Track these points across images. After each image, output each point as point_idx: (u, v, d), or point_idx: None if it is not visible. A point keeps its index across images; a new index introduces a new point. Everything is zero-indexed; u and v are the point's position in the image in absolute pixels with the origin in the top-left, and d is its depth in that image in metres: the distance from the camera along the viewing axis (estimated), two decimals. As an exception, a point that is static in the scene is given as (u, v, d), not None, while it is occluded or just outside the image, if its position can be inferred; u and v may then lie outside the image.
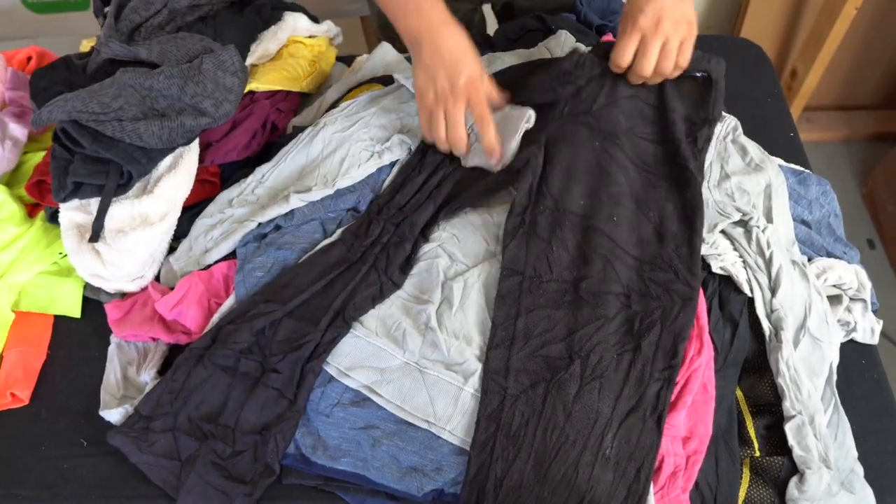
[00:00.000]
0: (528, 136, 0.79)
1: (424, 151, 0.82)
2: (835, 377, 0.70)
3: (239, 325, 0.71)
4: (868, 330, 0.75)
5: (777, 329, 0.69)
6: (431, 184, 0.80)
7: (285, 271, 0.75)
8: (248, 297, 0.74)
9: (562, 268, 0.71)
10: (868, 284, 0.75)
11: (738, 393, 0.71)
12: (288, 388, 0.68)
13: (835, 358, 0.70)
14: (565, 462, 0.61)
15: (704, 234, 0.73)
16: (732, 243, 0.74)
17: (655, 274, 0.70)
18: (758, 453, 0.68)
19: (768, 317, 0.69)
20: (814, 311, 0.70)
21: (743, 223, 0.75)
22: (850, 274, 0.74)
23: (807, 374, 0.67)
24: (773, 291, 0.70)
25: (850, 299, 0.75)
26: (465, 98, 0.74)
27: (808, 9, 1.64)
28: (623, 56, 0.73)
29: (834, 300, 0.75)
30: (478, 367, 0.67)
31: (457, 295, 0.71)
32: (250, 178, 0.84)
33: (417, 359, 0.69)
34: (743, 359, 0.71)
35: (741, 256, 0.73)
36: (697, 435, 0.66)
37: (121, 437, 0.69)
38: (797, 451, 0.64)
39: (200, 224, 0.82)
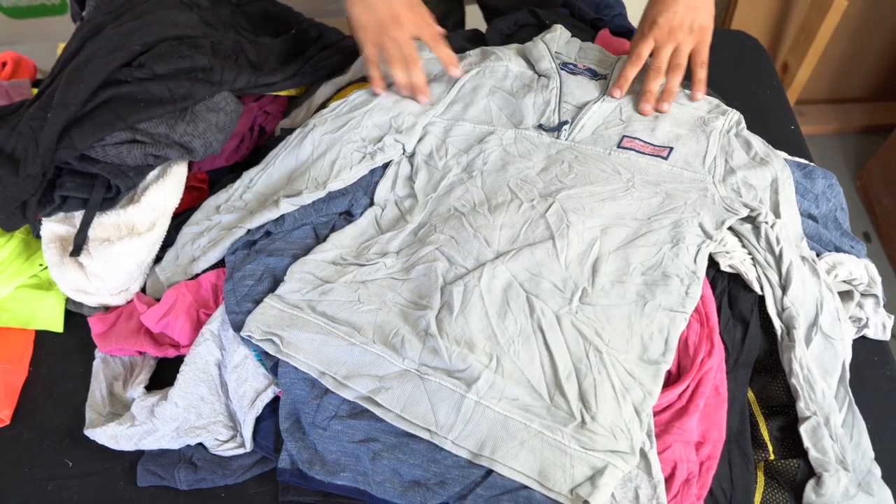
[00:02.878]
0: None
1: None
2: (848, 375, 0.68)
3: None
4: (880, 326, 0.74)
5: (789, 328, 0.67)
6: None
7: None
8: None
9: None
10: (878, 279, 0.74)
11: (750, 394, 0.69)
12: None
13: (847, 355, 0.69)
14: None
15: (712, 231, 0.71)
16: (741, 240, 0.72)
17: None
18: (772, 456, 0.66)
19: (780, 315, 0.67)
20: (825, 309, 0.68)
21: (751, 219, 0.73)
22: (861, 269, 0.73)
23: (820, 373, 0.65)
24: (784, 289, 0.68)
25: (861, 295, 0.73)
26: (409, 21, 0.77)
27: (799, 2, 1.64)
28: (641, 51, 0.80)
29: (845, 296, 0.73)
30: (481, 373, 0.65)
31: (457, 300, 0.69)
32: (238, 182, 0.81)
33: (417, 366, 0.66)
34: (754, 359, 0.69)
35: (750, 254, 0.71)
36: (710, 440, 0.64)
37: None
38: (813, 454, 0.62)
39: (187, 232, 0.79)
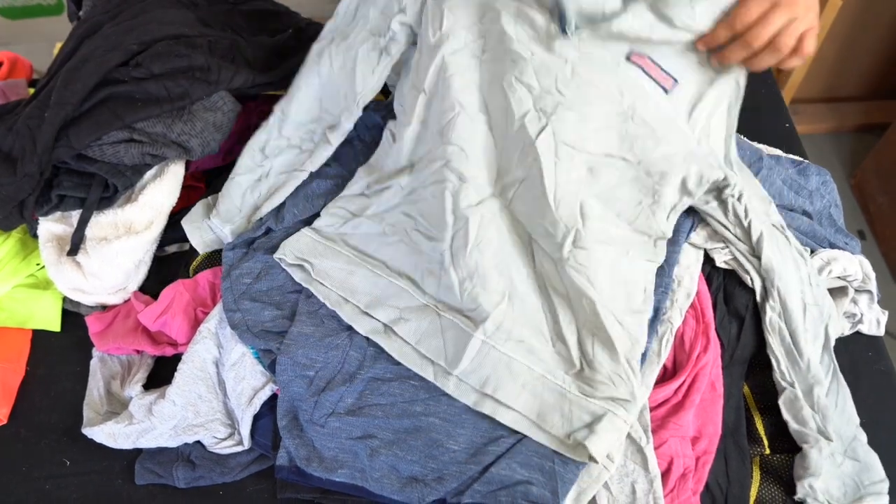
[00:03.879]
0: None
1: None
2: (832, 342, 0.68)
3: None
4: (874, 321, 0.74)
5: (767, 296, 0.67)
6: None
7: None
8: None
9: None
10: (873, 275, 0.74)
11: (746, 390, 0.69)
12: None
13: (831, 322, 0.68)
14: None
15: (694, 187, 0.67)
16: (707, 220, 0.71)
17: None
18: (768, 451, 0.66)
19: (762, 283, 0.68)
20: (801, 275, 0.68)
21: (717, 193, 0.70)
22: (855, 265, 0.73)
23: (804, 341, 0.66)
24: (759, 259, 0.68)
25: (856, 291, 0.73)
26: None
27: (793, 1, 1.64)
28: (749, 15, 0.64)
29: (839, 292, 0.73)
30: (490, 313, 0.65)
31: (472, 232, 0.67)
32: (272, 118, 0.80)
33: (435, 301, 0.68)
34: (750, 355, 0.69)
35: (720, 233, 0.71)
36: (706, 435, 0.64)
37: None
38: (793, 426, 0.63)
39: (240, 181, 0.79)
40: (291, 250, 0.73)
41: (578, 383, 0.62)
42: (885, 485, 0.62)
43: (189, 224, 0.80)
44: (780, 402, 0.64)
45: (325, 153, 0.78)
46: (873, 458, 0.63)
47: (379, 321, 0.69)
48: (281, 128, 0.79)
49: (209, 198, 0.83)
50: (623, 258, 0.67)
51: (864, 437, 0.64)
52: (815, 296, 0.68)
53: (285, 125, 0.79)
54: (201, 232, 0.80)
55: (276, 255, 0.73)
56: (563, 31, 0.69)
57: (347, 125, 0.77)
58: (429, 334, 0.66)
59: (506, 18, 0.70)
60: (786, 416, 0.63)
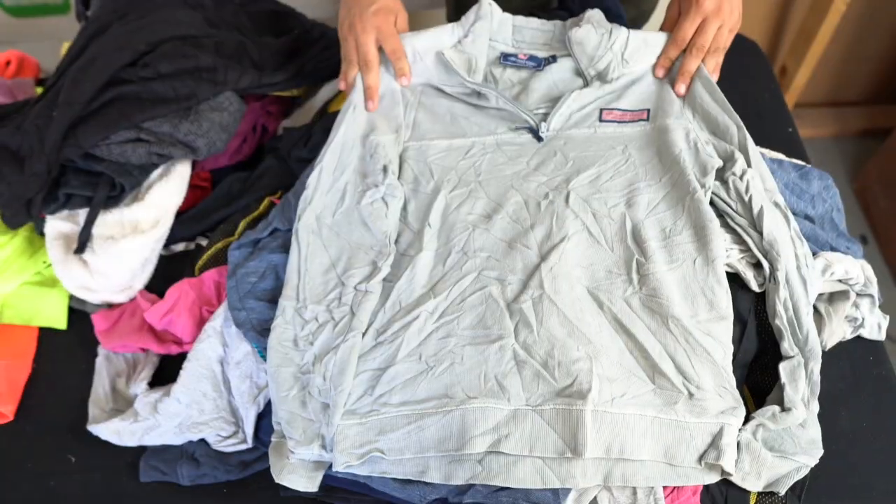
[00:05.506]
0: None
1: None
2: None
3: None
4: (875, 326, 0.74)
5: (773, 269, 0.67)
6: None
7: None
8: None
9: None
10: (874, 279, 0.74)
11: (746, 393, 0.69)
12: None
13: (811, 298, 0.69)
14: None
15: (703, 178, 0.72)
16: (713, 200, 0.72)
17: None
18: (768, 454, 0.66)
19: (765, 256, 0.68)
20: (798, 253, 0.69)
21: (719, 173, 0.73)
22: (857, 269, 0.73)
23: (805, 314, 0.66)
24: (761, 232, 0.69)
25: (857, 295, 0.74)
26: (375, 28, 0.78)
27: (797, 6, 1.65)
28: (686, 32, 0.79)
29: (840, 296, 0.73)
30: (589, 381, 0.61)
31: (531, 315, 0.66)
32: (283, 314, 0.69)
33: (525, 402, 0.62)
34: (751, 359, 0.69)
35: (720, 209, 0.72)
36: (707, 437, 0.65)
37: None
38: (788, 391, 0.63)
39: (288, 396, 0.65)
40: (349, 451, 0.61)
41: (690, 410, 0.61)
42: (818, 452, 0.63)
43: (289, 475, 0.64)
44: (782, 366, 0.64)
45: (370, 304, 0.69)
46: (816, 431, 0.64)
47: (475, 454, 0.61)
48: (303, 314, 0.70)
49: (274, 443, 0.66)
50: (690, 269, 0.68)
51: (816, 408, 0.65)
52: (810, 277, 0.69)
53: (305, 311, 0.69)
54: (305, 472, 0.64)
55: (341, 468, 0.61)
56: (538, 137, 0.79)
57: (386, 269, 0.71)
58: (537, 436, 0.61)
59: (489, 147, 0.79)
60: (783, 379, 0.64)
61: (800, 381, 0.64)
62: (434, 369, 0.65)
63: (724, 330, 0.65)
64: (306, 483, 0.63)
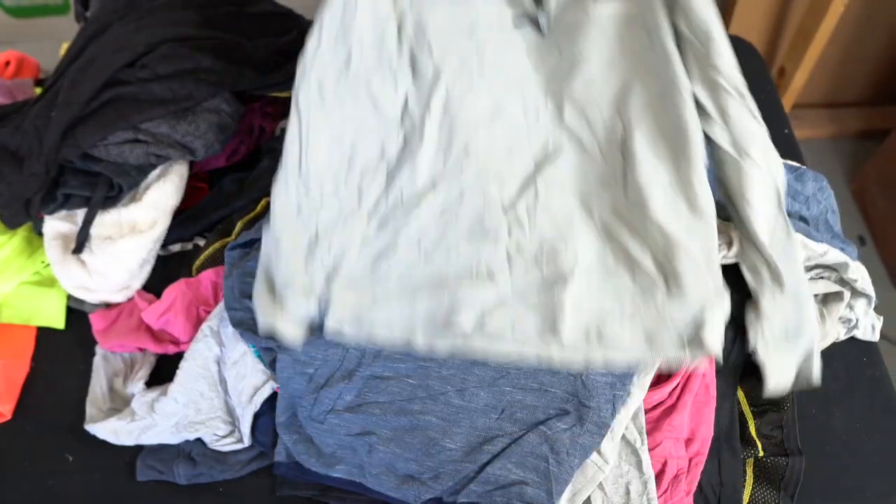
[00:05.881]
0: None
1: None
2: (784, 202, 0.67)
3: None
4: (869, 327, 0.75)
5: (740, 155, 0.65)
6: None
7: None
8: None
9: None
10: (869, 280, 0.75)
11: (740, 394, 0.70)
12: None
13: (781, 183, 0.67)
14: None
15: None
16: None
17: None
18: (761, 453, 0.67)
19: (733, 145, 0.66)
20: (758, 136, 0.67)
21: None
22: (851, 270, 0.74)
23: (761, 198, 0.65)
24: (728, 123, 0.66)
25: (852, 295, 0.74)
26: None
27: (795, 7, 1.65)
28: None
29: (834, 297, 0.74)
30: (571, 270, 0.64)
31: (523, 219, 0.67)
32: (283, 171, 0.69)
33: (511, 287, 0.64)
34: (744, 359, 0.70)
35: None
36: (699, 436, 0.65)
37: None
38: (748, 277, 0.64)
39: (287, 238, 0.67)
40: (342, 316, 0.63)
41: (670, 298, 0.62)
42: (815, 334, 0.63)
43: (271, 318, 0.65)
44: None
45: (376, 189, 0.69)
46: (810, 307, 0.64)
47: (460, 332, 0.63)
48: (307, 184, 0.69)
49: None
50: (672, 170, 0.66)
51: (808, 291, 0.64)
52: (773, 158, 0.67)
53: (310, 182, 0.69)
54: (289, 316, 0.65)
55: (330, 333, 0.63)
56: (539, 28, 0.72)
57: (394, 152, 0.70)
58: (520, 318, 0.63)
59: (493, 32, 0.72)
60: (743, 267, 0.64)
61: (753, 256, 0.64)
62: (431, 258, 0.67)
63: (705, 227, 0.64)
64: (293, 329, 0.64)
